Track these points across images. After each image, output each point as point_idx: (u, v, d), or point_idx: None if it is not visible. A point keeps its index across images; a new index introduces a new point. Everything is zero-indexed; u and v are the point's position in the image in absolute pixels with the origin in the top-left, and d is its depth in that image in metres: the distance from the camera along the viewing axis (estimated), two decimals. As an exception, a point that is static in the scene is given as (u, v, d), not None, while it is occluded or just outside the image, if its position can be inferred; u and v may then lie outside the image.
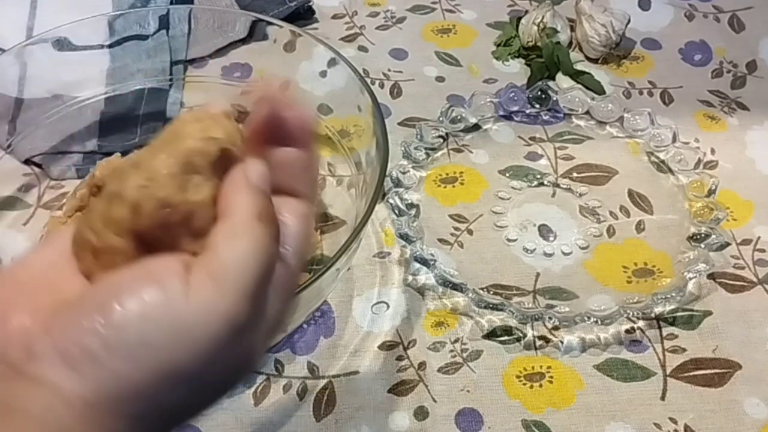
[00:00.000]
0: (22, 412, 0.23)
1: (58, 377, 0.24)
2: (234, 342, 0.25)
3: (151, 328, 0.24)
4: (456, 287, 0.52)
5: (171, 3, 0.73)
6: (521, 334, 0.52)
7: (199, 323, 0.25)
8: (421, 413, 0.48)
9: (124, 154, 0.59)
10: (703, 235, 0.55)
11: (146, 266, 0.26)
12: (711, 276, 0.54)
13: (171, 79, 0.66)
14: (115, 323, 0.24)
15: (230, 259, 0.26)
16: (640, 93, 0.69)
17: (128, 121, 0.63)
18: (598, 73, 0.70)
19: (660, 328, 0.52)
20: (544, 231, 0.58)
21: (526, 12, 0.74)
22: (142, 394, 0.24)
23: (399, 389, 0.49)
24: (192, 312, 0.24)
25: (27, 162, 0.60)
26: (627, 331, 0.52)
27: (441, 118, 0.64)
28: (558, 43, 0.71)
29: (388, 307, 0.53)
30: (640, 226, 0.58)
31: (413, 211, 0.58)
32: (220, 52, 0.70)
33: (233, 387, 0.29)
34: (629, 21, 0.71)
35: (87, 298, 0.25)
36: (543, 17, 0.71)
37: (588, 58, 0.72)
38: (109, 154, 0.59)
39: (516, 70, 0.71)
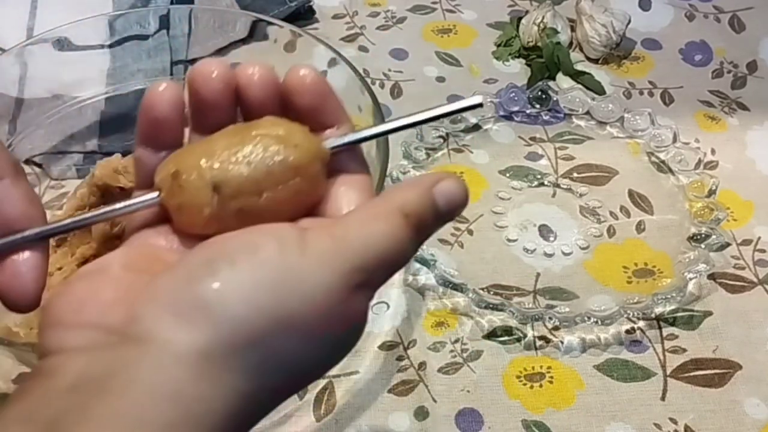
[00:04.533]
0: (130, 380, 0.22)
1: (168, 331, 0.23)
2: (346, 304, 0.25)
3: (265, 273, 0.23)
4: (456, 287, 0.52)
5: (171, 3, 0.73)
6: (521, 335, 0.52)
7: (314, 273, 0.24)
8: (421, 413, 0.48)
9: (124, 154, 0.59)
10: (703, 236, 0.55)
11: (256, 227, 0.25)
12: (711, 276, 0.54)
13: (171, 79, 0.66)
14: (227, 272, 0.23)
15: (357, 230, 0.25)
16: (641, 93, 0.69)
17: (129, 121, 0.63)
18: (599, 73, 0.70)
19: (660, 328, 0.52)
20: (545, 231, 0.58)
21: (527, 12, 0.74)
22: (258, 340, 0.23)
23: (399, 389, 0.49)
24: (306, 262, 0.24)
25: (27, 162, 0.60)
26: (627, 332, 0.52)
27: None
28: (558, 43, 0.71)
29: (388, 307, 0.53)
30: (640, 227, 0.58)
31: (413, 211, 0.58)
32: (220, 52, 0.70)
33: (339, 355, 0.28)
34: (629, 21, 0.71)
35: (193, 255, 0.24)
36: (543, 17, 0.71)
37: (588, 59, 0.72)
38: (109, 154, 0.59)
39: (516, 71, 0.71)
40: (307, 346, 0.24)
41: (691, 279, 0.52)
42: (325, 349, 0.26)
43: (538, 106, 0.66)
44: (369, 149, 0.52)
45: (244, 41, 0.70)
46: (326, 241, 0.24)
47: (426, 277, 0.54)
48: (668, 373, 0.50)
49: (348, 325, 0.26)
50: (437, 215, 0.27)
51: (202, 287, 0.23)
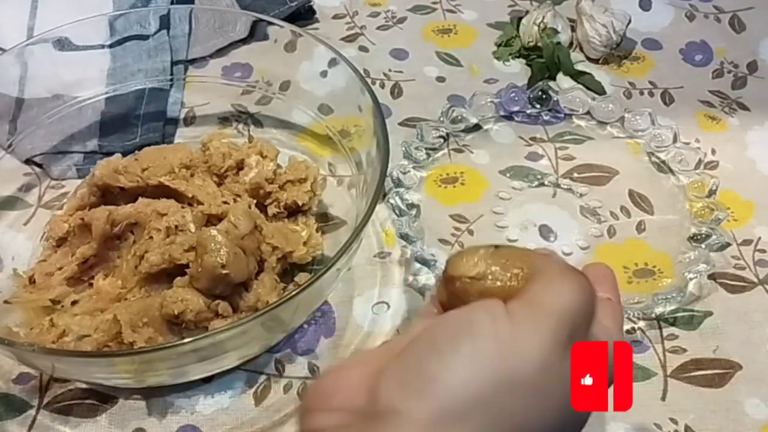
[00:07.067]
0: None
1: (402, 404, 0.26)
2: (558, 359, 0.28)
3: (482, 344, 0.27)
4: (456, 287, 0.52)
5: (172, 3, 0.73)
6: (522, 335, 0.52)
7: (525, 338, 0.27)
8: (421, 413, 0.48)
9: (124, 154, 0.59)
10: (703, 236, 0.55)
11: (471, 305, 0.29)
12: (711, 276, 0.54)
13: (172, 79, 0.66)
14: (446, 346, 0.27)
15: (544, 293, 0.29)
16: (641, 93, 0.69)
17: (129, 121, 0.63)
18: (599, 73, 0.70)
19: (660, 328, 0.52)
20: (545, 231, 0.58)
21: (527, 12, 0.74)
22: (485, 404, 0.26)
23: (399, 389, 0.49)
24: (516, 329, 0.28)
25: (27, 162, 0.60)
26: (627, 332, 0.52)
27: (441, 119, 0.64)
28: (559, 43, 0.71)
29: (388, 307, 0.53)
30: (640, 227, 0.58)
31: (414, 212, 0.58)
32: (220, 52, 0.70)
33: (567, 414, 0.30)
34: (630, 21, 0.71)
35: (420, 336, 0.28)
36: (544, 17, 0.71)
37: (589, 59, 0.72)
38: (109, 153, 0.59)
39: (517, 71, 0.71)
40: (533, 402, 0.27)
41: (691, 279, 0.52)
42: (548, 406, 0.28)
43: (538, 106, 0.66)
44: (369, 149, 0.52)
45: (244, 41, 0.70)
46: (526, 310, 0.28)
47: (426, 277, 0.54)
48: (668, 373, 0.50)
49: (564, 380, 0.29)
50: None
51: (427, 363, 0.27)
